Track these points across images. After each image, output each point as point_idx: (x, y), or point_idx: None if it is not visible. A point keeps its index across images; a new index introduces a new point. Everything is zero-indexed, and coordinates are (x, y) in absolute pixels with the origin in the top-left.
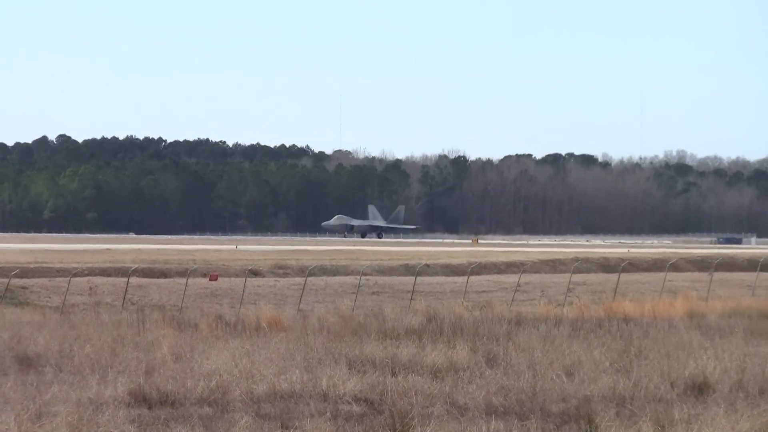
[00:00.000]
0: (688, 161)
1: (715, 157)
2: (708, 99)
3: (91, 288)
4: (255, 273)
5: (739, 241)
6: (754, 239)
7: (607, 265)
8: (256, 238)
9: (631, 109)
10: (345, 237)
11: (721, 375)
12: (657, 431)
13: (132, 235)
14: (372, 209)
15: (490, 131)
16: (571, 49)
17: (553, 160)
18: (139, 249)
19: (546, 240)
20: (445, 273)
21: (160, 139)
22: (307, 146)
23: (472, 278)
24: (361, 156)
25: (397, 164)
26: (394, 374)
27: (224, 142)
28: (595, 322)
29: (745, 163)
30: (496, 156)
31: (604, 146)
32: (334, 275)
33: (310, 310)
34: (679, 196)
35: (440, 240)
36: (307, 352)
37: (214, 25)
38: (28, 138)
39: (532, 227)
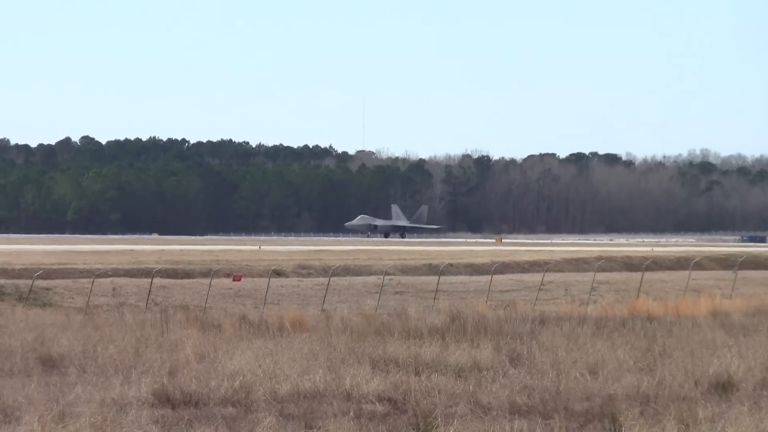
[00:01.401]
0: (712, 159)
1: (739, 155)
2: (731, 97)
3: (114, 289)
4: (278, 273)
5: (763, 240)
6: None
7: (630, 264)
8: (279, 239)
9: (655, 107)
10: (368, 237)
11: (746, 373)
12: (681, 430)
13: (155, 236)
14: (395, 209)
15: (513, 131)
16: (594, 48)
17: (577, 159)
18: (162, 250)
19: (569, 239)
20: (469, 272)
21: (183, 140)
22: (330, 146)
23: (496, 277)
24: (384, 156)
25: (420, 164)
26: (417, 374)
27: (247, 142)
28: (618, 320)
29: None
30: (520, 155)
31: (628, 145)
32: (358, 275)
33: (333, 310)
34: (703, 195)
35: (463, 239)
36: (330, 351)
37: (237, 26)
38: (52, 139)
39: (555, 226)
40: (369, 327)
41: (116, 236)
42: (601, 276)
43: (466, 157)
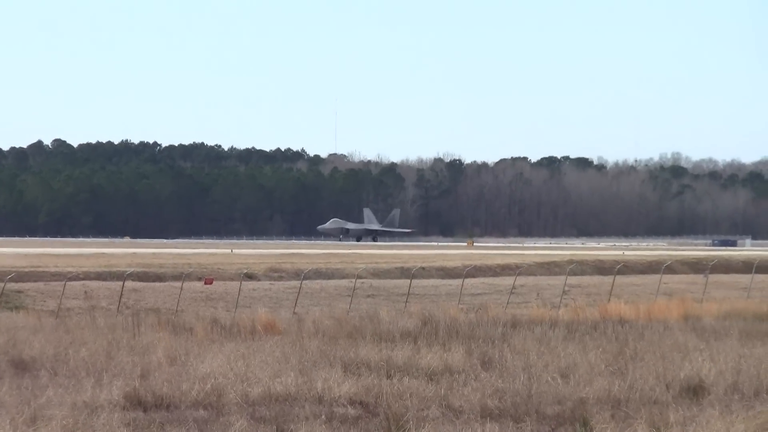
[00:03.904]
0: (683, 163)
1: (710, 160)
2: (703, 101)
3: (86, 292)
4: (250, 276)
5: (734, 243)
6: (748, 241)
7: (602, 268)
8: (251, 242)
9: (626, 111)
10: (340, 240)
11: (717, 377)
12: None
13: (128, 239)
14: (367, 213)
15: (485, 134)
16: (566, 52)
17: (549, 163)
18: (134, 253)
19: (541, 243)
20: (440, 276)
21: (155, 143)
22: (302, 150)
23: (467, 281)
24: (356, 160)
25: (392, 168)
26: (389, 377)
27: (219, 146)
28: (590, 324)
29: (739, 166)
30: (492, 159)
31: (599, 149)
32: (330, 278)
33: (305, 313)
34: (674, 199)
35: (435, 243)
36: (302, 355)
37: (209, 29)
38: (23, 142)
39: (527, 230)
40: (341, 330)
41: (88, 239)
42: (573, 279)
43: (438, 160)
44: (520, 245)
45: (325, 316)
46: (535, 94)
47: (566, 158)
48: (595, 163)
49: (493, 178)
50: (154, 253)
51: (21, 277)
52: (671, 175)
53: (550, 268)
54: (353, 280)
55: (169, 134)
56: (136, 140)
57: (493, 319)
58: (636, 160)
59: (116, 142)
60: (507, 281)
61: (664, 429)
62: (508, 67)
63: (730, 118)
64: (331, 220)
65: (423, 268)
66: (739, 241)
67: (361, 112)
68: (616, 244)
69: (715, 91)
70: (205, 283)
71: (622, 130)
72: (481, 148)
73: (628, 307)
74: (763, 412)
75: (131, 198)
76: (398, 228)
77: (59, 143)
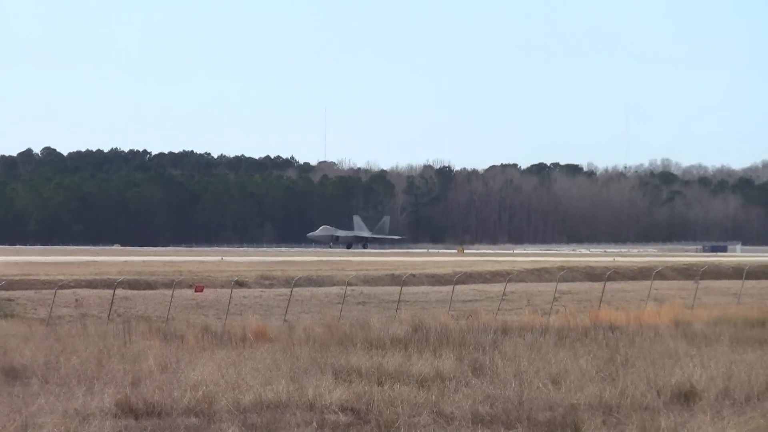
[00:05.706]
0: (673, 170)
1: (700, 166)
2: (693, 108)
3: (77, 300)
4: (241, 284)
5: (724, 249)
6: (739, 247)
7: (592, 274)
8: (241, 250)
9: (616, 118)
10: (330, 248)
11: (708, 383)
12: None
13: (118, 247)
14: (357, 220)
15: (475, 141)
16: (556, 59)
17: (539, 169)
18: (125, 261)
19: (531, 249)
20: (431, 283)
21: (145, 151)
22: (292, 157)
23: (458, 288)
24: (346, 167)
25: (382, 175)
26: (380, 384)
27: (209, 153)
28: (581, 330)
29: (729, 172)
30: (482, 166)
31: (589, 156)
32: (320, 286)
33: (296, 320)
34: (665, 205)
35: (425, 250)
36: (293, 362)
37: (199, 37)
38: (13, 150)
39: (517, 237)
40: (332, 337)
41: (78, 247)
42: (564, 286)
43: (427, 167)
44: (511, 252)
45: (316, 324)
46: (524, 101)
47: (556, 165)
48: (585, 169)
49: (483, 184)
50: (144, 261)
51: (12, 285)
52: (661, 181)
53: (540, 274)
54: (344, 288)
55: (158, 142)
56: (125, 148)
57: (484, 326)
58: (626, 167)
59: (106, 150)
60: (497, 288)
61: None
62: (498, 73)
63: (720, 125)
64: (321, 228)
65: (413, 275)
66: (729, 247)
67: (350, 119)
68: (607, 250)
69: (705, 97)
70: (196, 291)
71: (612, 137)
72: (470, 155)
73: (618, 314)
74: (754, 418)
75: (121, 206)
76: (388, 235)
77: (49, 151)
